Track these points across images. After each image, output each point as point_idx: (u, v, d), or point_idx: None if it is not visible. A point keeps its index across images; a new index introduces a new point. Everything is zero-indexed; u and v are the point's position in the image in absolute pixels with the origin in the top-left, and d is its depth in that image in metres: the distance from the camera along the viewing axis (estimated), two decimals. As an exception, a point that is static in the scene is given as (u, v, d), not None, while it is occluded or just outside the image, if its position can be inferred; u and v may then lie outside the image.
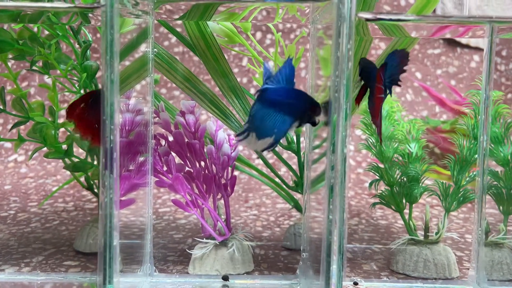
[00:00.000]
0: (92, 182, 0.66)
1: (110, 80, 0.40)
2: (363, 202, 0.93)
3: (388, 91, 0.53)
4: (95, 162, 0.64)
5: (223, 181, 0.63)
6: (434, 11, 0.71)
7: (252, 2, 0.43)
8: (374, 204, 0.62)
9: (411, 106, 1.17)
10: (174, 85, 0.90)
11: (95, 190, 0.68)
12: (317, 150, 0.53)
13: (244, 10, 0.48)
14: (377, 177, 0.62)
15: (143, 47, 0.54)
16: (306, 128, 0.59)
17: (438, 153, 1.06)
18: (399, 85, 0.55)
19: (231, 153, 0.63)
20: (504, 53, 1.19)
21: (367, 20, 0.45)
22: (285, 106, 0.46)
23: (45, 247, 0.66)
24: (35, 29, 0.61)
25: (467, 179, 0.60)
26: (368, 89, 0.53)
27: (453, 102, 1.00)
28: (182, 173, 0.59)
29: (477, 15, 0.44)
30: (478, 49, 1.20)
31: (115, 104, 0.41)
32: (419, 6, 0.58)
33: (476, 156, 0.60)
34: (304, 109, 0.47)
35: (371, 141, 0.63)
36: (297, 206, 0.69)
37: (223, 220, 0.60)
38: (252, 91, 1.20)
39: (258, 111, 0.46)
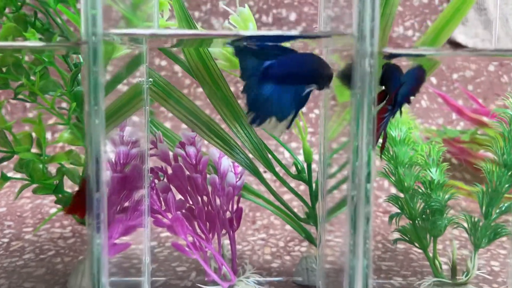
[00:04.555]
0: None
1: (94, 127, 0.35)
2: (378, 221, 0.88)
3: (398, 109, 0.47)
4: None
5: (228, 215, 0.57)
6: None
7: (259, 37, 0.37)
8: (395, 241, 0.57)
9: (426, 114, 1.11)
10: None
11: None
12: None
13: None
14: (395, 208, 0.57)
15: (136, 76, 0.49)
16: (319, 156, 0.53)
17: (455, 163, 1.00)
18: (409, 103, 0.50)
19: (236, 182, 0.58)
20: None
21: (388, 57, 0.39)
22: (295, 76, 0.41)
23: (37, 286, 0.61)
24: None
25: (497, 211, 0.54)
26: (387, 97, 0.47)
27: (472, 111, 0.94)
28: (183, 211, 0.54)
29: (506, 48, 0.38)
30: (496, 51, 1.13)
31: (102, 155, 0.35)
32: (438, 27, 0.52)
33: (507, 185, 0.54)
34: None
35: (388, 168, 0.58)
36: (310, 238, 0.63)
37: (228, 260, 0.55)
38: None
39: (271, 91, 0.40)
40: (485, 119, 0.92)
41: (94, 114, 0.34)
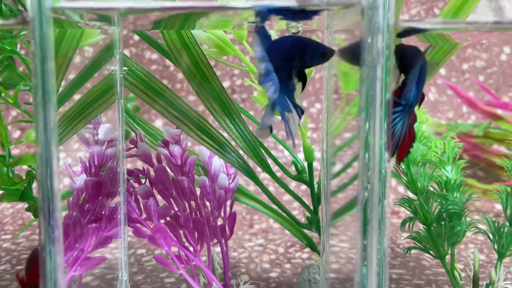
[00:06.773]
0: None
1: (44, 131, 0.28)
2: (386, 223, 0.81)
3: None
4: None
5: (219, 222, 0.51)
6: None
7: (245, 9, 0.31)
8: (408, 249, 0.50)
9: (435, 107, 1.04)
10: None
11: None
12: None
13: (238, 14, 0.36)
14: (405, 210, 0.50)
15: (108, 65, 0.42)
16: (321, 153, 0.47)
17: (467, 159, 0.93)
18: None
19: (229, 184, 0.52)
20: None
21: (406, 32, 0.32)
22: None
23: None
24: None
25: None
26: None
27: (486, 103, 0.87)
28: (167, 219, 0.47)
29: None
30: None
31: (53, 157, 0.29)
32: (457, 4, 0.45)
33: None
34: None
35: (399, 167, 0.51)
36: (312, 246, 0.57)
37: (220, 273, 0.49)
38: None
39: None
40: (499, 111, 0.86)
41: (44, 110, 0.28)
